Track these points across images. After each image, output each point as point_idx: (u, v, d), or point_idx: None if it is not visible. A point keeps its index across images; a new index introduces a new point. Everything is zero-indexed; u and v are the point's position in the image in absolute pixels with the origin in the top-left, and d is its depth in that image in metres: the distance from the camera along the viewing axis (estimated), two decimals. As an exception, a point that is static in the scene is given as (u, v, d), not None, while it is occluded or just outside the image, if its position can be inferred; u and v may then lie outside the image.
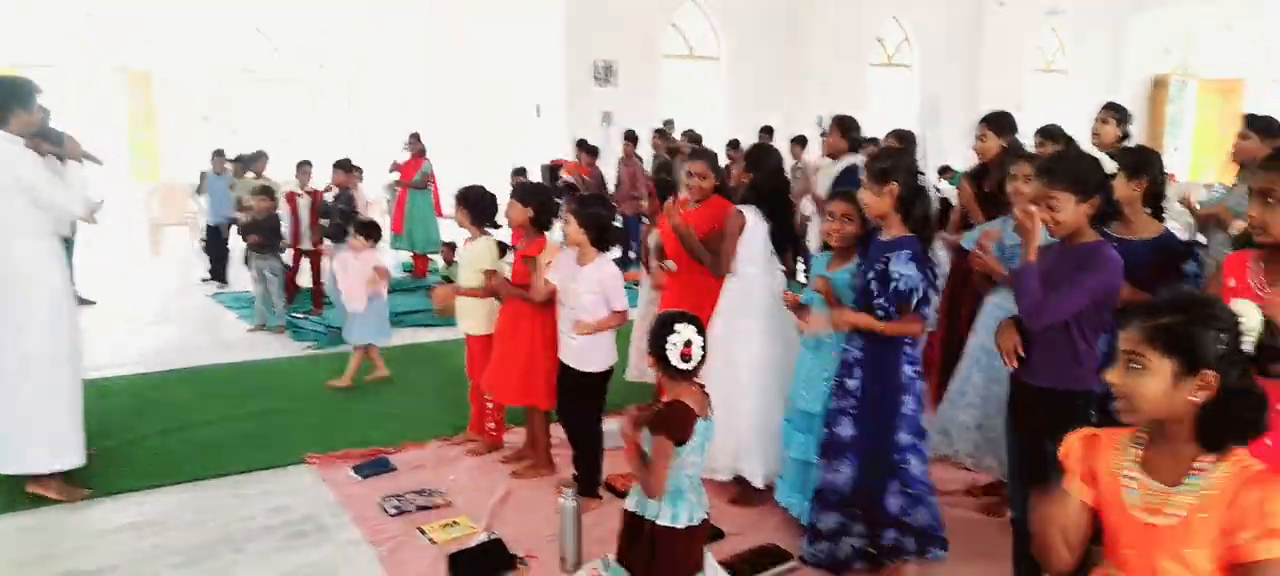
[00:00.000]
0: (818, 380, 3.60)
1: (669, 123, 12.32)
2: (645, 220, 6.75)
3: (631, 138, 10.79)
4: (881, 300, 3.17)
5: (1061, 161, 2.85)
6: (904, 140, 5.38)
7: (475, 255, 4.57)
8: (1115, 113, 5.48)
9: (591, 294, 3.84)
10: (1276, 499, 1.50)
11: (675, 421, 2.58)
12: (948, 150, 11.81)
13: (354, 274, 5.96)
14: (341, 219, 7.46)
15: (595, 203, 4.13)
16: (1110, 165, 2.85)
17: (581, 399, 4.02)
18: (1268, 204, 2.23)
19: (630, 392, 5.26)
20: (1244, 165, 4.47)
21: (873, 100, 15.49)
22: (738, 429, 3.94)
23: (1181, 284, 3.01)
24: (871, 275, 3.19)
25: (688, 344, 2.59)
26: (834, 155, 5.95)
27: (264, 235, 7.51)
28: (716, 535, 3.72)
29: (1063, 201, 2.71)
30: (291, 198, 8.18)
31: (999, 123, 4.99)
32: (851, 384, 3.29)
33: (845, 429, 3.30)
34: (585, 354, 3.92)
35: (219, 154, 9.94)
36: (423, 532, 3.81)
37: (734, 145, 11.07)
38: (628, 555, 2.65)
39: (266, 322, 7.57)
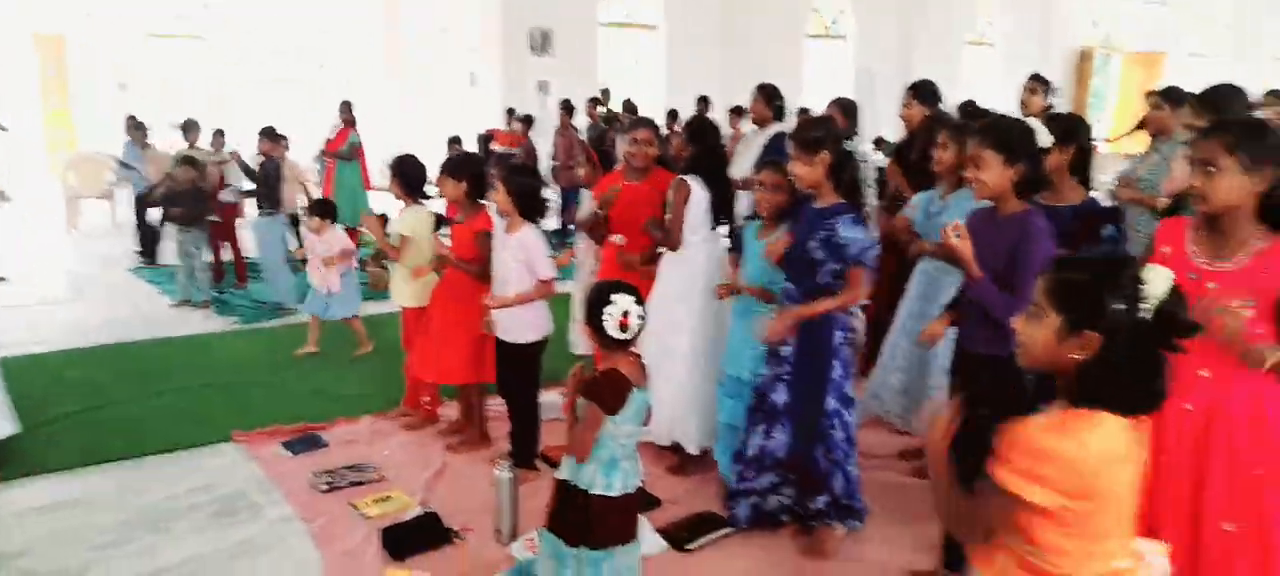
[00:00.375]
0: (747, 347, 3.63)
1: (605, 92, 12.24)
2: (584, 190, 6.69)
3: (567, 108, 10.68)
4: (832, 266, 3.17)
5: (995, 124, 2.90)
6: (846, 110, 5.42)
7: (410, 226, 4.48)
8: (1041, 83, 5.62)
9: (516, 262, 3.80)
10: (1020, 432, 1.56)
11: (608, 390, 2.57)
12: (882, 121, 11.97)
13: (320, 255, 5.89)
14: (264, 187, 7.27)
15: (523, 170, 4.10)
16: (1046, 139, 2.90)
17: (515, 371, 3.98)
18: (1208, 173, 2.25)
19: (571, 363, 5.24)
20: (1156, 135, 4.61)
21: (808, 71, 15.61)
22: (676, 396, 3.96)
23: (1101, 247, 3.10)
24: (815, 243, 3.18)
25: (625, 314, 2.58)
26: (760, 124, 5.96)
27: (187, 207, 7.26)
28: (652, 503, 3.75)
29: (989, 162, 2.77)
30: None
31: (923, 91, 5.08)
32: (785, 351, 3.31)
33: (780, 395, 3.33)
34: (515, 325, 3.89)
35: (137, 124, 9.55)
36: (355, 508, 3.74)
37: (673, 116, 11.05)
38: (560, 524, 2.64)
39: (191, 298, 7.34)
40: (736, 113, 10.62)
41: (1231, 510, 2.25)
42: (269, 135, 7.63)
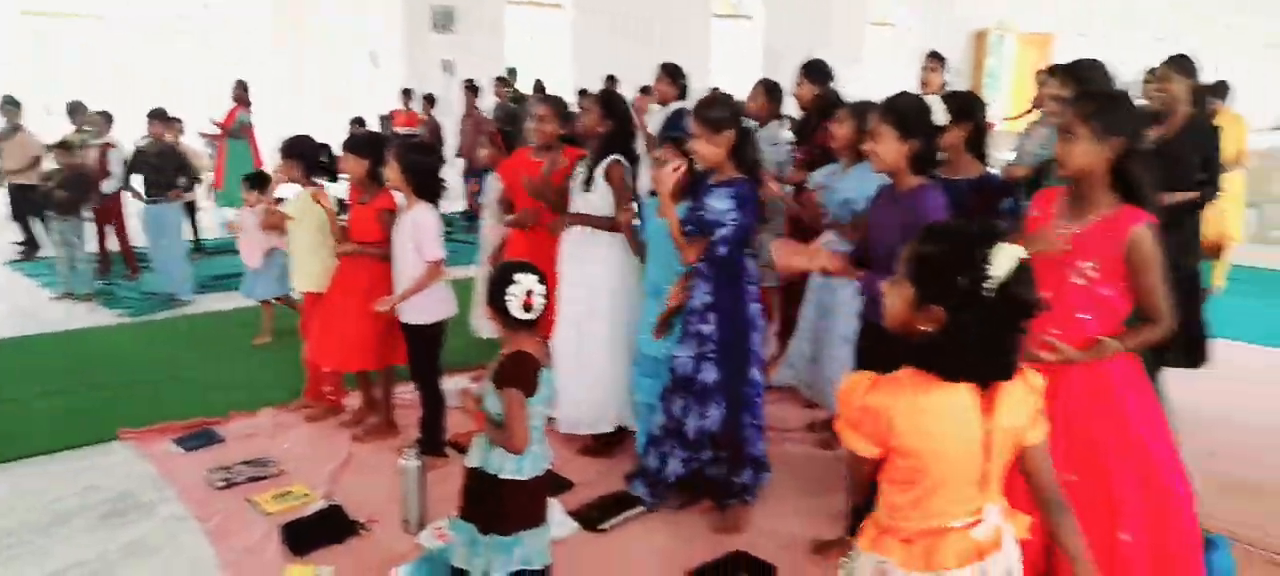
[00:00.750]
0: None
1: (512, 71, 12.04)
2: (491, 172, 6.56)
3: (472, 88, 10.47)
4: (691, 229, 3.25)
5: (893, 101, 2.95)
6: (771, 91, 5.45)
7: (299, 209, 4.31)
8: (939, 61, 5.77)
9: (410, 243, 3.72)
10: (849, 381, 1.72)
11: (521, 372, 2.52)
12: (789, 101, 12.14)
13: (252, 229, 5.63)
14: (155, 173, 6.92)
15: (418, 148, 4.00)
16: (942, 118, 2.96)
17: (415, 352, 3.90)
18: (1067, 140, 2.38)
19: (476, 348, 5.16)
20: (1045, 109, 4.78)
21: (716, 51, 15.69)
22: (598, 382, 3.95)
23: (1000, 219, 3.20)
24: (685, 211, 3.24)
25: (529, 293, 2.53)
26: (663, 102, 5.96)
27: (70, 193, 6.85)
28: (564, 486, 3.72)
29: (885, 136, 2.83)
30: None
31: (815, 70, 5.16)
32: (707, 329, 3.30)
33: (709, 374, 3.31)
34: (412, 306, 3.81)
35: (13, 103, 8.94)
36: (254, 504, 3.60)
37: (584, 94, 10.95)
38: (471, 511, 2.58)
39: (73, 290, 6.94)
40: (644, 92, 10.58)
41: (1070, 463, 2.33)
42: (160, 117, 7.25)
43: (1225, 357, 5.54)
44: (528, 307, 2.53)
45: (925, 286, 1.61)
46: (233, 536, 3.37)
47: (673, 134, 3.76)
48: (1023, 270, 1.57)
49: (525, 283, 2.53)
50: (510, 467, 2.56)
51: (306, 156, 4.31)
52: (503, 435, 2.53)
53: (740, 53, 15.81)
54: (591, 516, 3.45)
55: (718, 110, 3.24)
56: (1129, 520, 2.35)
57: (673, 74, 5.86)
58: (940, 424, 1.63)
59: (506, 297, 2.52)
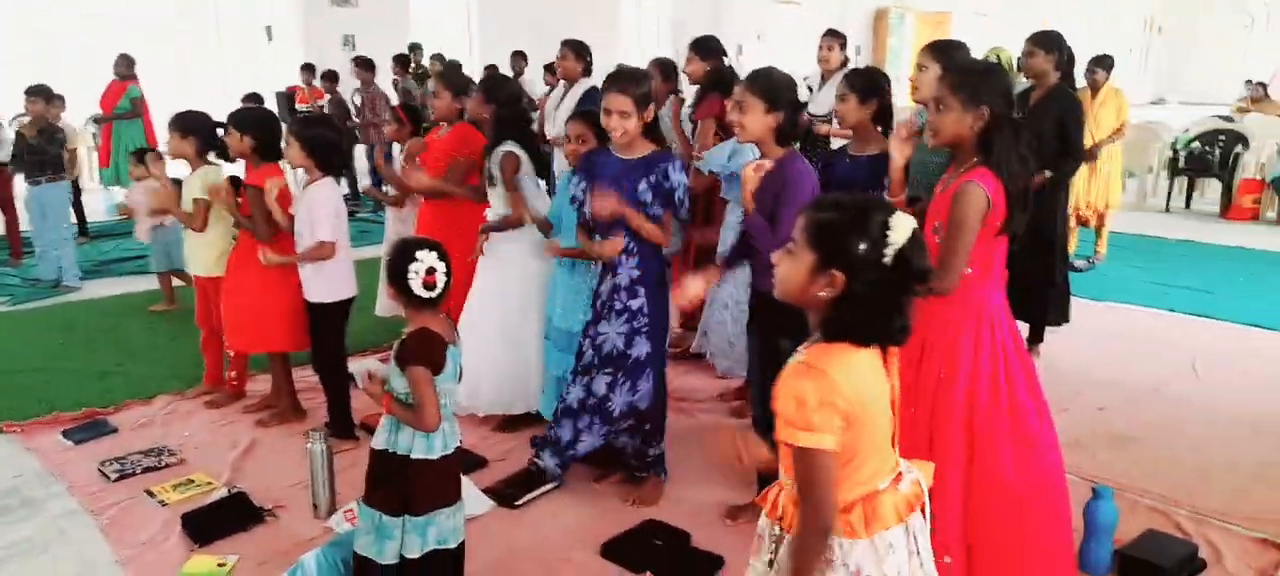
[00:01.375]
0: (578, 299, 3.63)
1: (415, 47, 11.76)
2: (397, 146, 6.41)
3: (366, 65, 10.16)
4: (656, 211, 3.21)
5: (759, 73, 3.05)
6: (666, 69, 5.46)
7: (203, 188, 4.12)
8: (837, 38, 5.89)
9: (308, 221, 3.64)
10: (781, 384, 1.62)
11: (427, 350, 2.48)
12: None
13: (140, 205, 5.55)
14: (37, 153, 6.53)
15: (317, 122, 3.89)
16: (804, 93, 3.05)
17: (318, 332, 3.81)
18: (936, 110, 2.51)
19: (381, 328, 5.06)
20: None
21: (624, 26, 15.65)
22: (511, 357, 3.93)
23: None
24: (645, 188, 3.19)
25: (431, 271, 2.48)
26: (569, 79, 5.93)
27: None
28: (478, 463, 3.69)
29: (751, 107, 2.93)
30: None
31: (705, 46, 5.23)
32: (636, 304, 3.28)
33: (640, 347, 3.30)
34: (308, 283, 3.72)
35: None
36: (151, 495, 3.46)
37: (492, 70, 10.80)
38: (378, 495, 2.54)
39: (-53, 278, 6.52)
40: (550, 70, 10.48)
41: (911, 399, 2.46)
42: (41, 94, 6.82)
43: (1110, 319, 5.89)
44: (429, 285, 2.49)
45: (826, 252, 1.63)
46: (129, 530, 3.23)
47: (584, 109, 3.75)
48: (916, 238, 1.62)
49: (426, 260, 2.49)
50: (419, 447, 2.52)
51: (199, 132, 4.11)
52: (411, 415, 2.49)
53: (646, 29, 15.82)
54: (506, 493, 3.43)
55: (641, 86, 3.24)
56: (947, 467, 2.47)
57: (578, 50, 5.83)
58: (869, 389, 1.66)
59: (408, 275, 2.47)
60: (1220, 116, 10.73)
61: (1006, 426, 2.52)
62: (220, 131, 4.04)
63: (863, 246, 1.60)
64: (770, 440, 1.76)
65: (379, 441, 2.56)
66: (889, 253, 1.59)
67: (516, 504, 3.39)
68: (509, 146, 3.85)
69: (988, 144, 2.45)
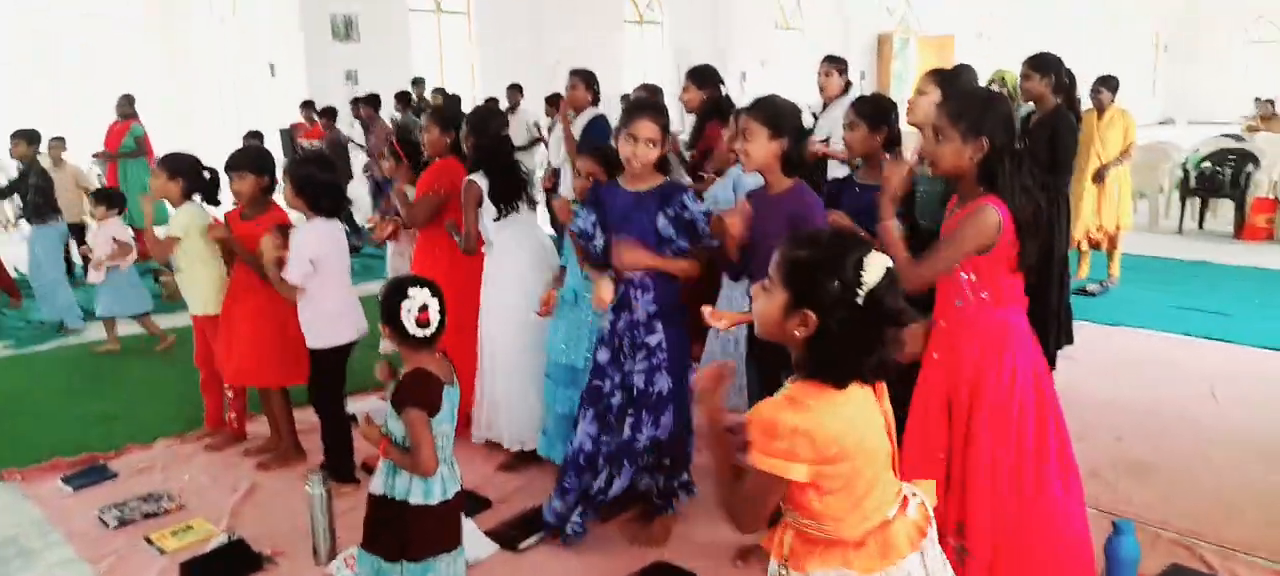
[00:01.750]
0: (581, 334, 3.58)
1: (418, 81, 11.81)
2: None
3: (372, 102, 10.21)
4: (680, 244, 3.13)
5: (764, 100, 3.01)
6: (651, 93, 5.44)
7: (181, 226, 4.06)
8: (836, 65, 5.84)
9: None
10: (756, 411, 1.60)
11: (422, 390, 2.43)
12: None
13: (99, 246, 5.70)
14: (38, 195, 6.53)
15: (310, 161, 3.86)
16: (809, 120, 3.00)
17: (315, 376, 3.75)
18: (936, 140, 2.47)
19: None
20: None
21: (626, 57, 15.71)
22: (517, 392, 3.89)
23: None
24: (665, 222, 3.11)
25: (423, 309, 2.43)
26: (577, 108, 5.91)
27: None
28: (482, 504, 3.61)
29: (755, 134, 2.88)
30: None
31: (702, 75, 5.20)
32: (654, 339, 3.20)
33: (661, 383, 3.21)
34: (307, 327, 3.66)
35: None
36: (150, 542, 3.40)
37: (491, 103, 10.83)
38: (376, 541, 2.48)
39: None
40: (551, 101, 10.49)
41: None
42: (26, 138, 6.82)
43: (1125, 344, 5.79)
44: (423, 323, 2.44)
45: (799, 291, 1.60)
46: (126, 580, 3.17)
47: (591, 142, 3.72)
48: (891, 277, 1.59)
49: (418, 297, 2.44)
50: (418, 492, 2.46)
51: (185, 174, 4.09)
52: (408, 459, 2.43)
53: (649, 58, 15.87)
54: (511, 536, 3.36)
55: (665, 114, 3.19)
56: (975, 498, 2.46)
57: (587, 79, 5.82)
58: (864, 422, 1.64)
59: (401, 313, 2.42)
60: (1229, 135, 10.64)
61: (1033, 455, 2.47)
62: (206, 174, 4.05)
63: (835, 286, 1.56)
64: None
65: (377, 486, 2.51)
66: (861, 293, 1.56)
67: (520, 547, 3.31)
68: (474, 176, 3.85)
69: (990, 175, 2.41)
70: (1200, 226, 9.82)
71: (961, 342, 2.48)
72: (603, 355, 3.29)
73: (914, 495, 1.76)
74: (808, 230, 1.80)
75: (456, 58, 14.33)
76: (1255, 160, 9.48)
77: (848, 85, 5.83)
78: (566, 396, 3.64)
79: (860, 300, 1.56)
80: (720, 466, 1.72)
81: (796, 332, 1.60)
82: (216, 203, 4.19)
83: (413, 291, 2.43)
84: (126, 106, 9.24)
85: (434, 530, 2.48)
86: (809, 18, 17.32)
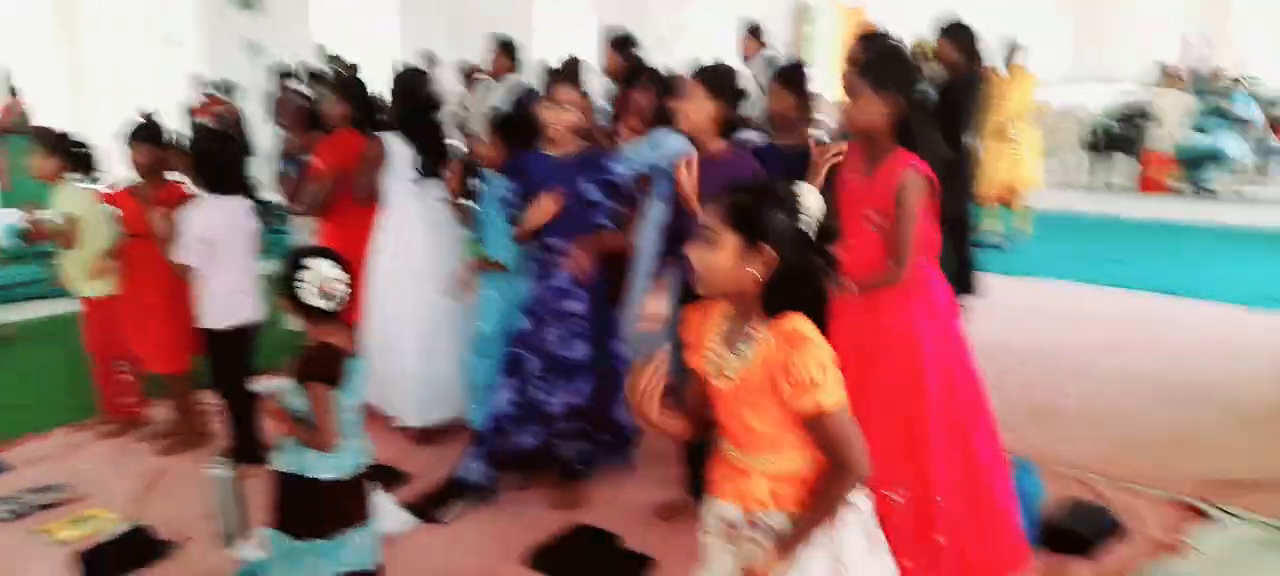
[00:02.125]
0: (502, 304, 3.55)
1: (326, 54, 11.44)
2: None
3: (286, 73, 9.89)
4: (609, 205, 3.18)
5: (708, 66, 3.02)
6: (506, 48, 5.43)
7: (78, 206, 3.87)
8: (754, 33, 5.90)
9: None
10: (799, 356, 1.63)
11: (325, 364, 2.36)
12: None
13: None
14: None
15: (211, 137, 3.72)
16: (749, 83, 3.02)
17: (215, 359, 3.63)
18: (850, 98, 2.57)
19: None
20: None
21: (542, 25, 15.48)
22: (425, 364, 3.82)
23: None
24: (591, 186, 3.15)
25: (324, 280, 2.35)
26: (497, 75, 5.82)
27: None
28: (398, 478, 3.56)
29: (695, 96, 2.91)
30: None
31: (619, 42, 5.23)
32: (577, 306, 3.23)
33: (578, 350, 3.25)
34: (207, 309, 3.53)
35: None
36: (47, 533, 3.25)
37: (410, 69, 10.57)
38: (285, 519, 2.41)
39: None
40: (468, 72, 10.28)
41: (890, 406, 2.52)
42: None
43: (1032, 295, 5.99)
44: (327, 295, 2.36)
45: (750, 231, 1.64)
46: (23, 572, 3.03)
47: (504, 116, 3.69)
48: (822, 204, 1.71)
49: (319, 268, 2.36)
50: (325, 466, 2.40)
51: (62, 150, 3.89)
52: (310, 434, 2.36)
53: (567, 25, 15.67)
54: (427, 507, 3.31)
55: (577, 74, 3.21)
56: (936, 451, 2.51)
57: (507, 48, 5.75)
58: None
59: (299, 287, 2.34)
60: (1132, 94, 11.08)
61: (969, 410, 2.59)
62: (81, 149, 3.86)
63: (782, 218, 1.64)
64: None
65: (282, 463, 2.43)
66: (805, 219, 1.66)
67: (438, 518, 3.27)
68: (389, 137, 3.80)
69: (904, 131, 2.49)
70: (1105, 182, 10.21)
71: (897, 306, 2.54)
72: (524, 322, 3.29)
73: None
74: (739, 178, 1.83)
75: (364, 25, 13.90)
76: (1155, 118, 9.88)
77: (763, 49, 5.88)
78: (487, 366, 3.60)
79: (805, 226, 1.66)
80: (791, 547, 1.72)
81: (756, 273, 1.64)
82: (94, 177, 4.00)
83: (311, 262, 2.34)
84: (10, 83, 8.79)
85: (344, 505, 2.42)
86: (728, -16, 17.36)
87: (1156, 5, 19.44)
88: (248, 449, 3.60)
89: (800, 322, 1.67)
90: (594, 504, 3.35)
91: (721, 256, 1.67)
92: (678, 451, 3.22)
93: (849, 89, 2.56)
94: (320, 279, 2.34)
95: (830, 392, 1.64)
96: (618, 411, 3.40)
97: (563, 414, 3.26)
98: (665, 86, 3.91)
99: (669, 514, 3.24)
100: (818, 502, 1.69)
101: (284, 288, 2.35)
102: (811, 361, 1.63)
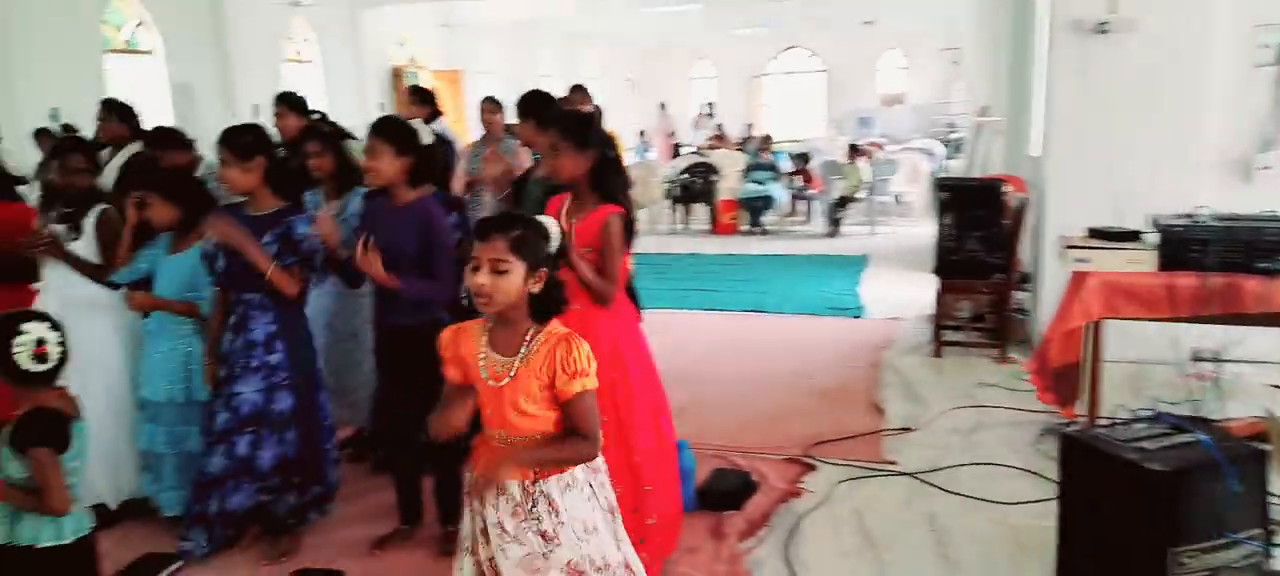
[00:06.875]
0: (172, 365, 3.47)
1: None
2: None
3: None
4: (290, 261, 3.21)
5: (386, 121, 3.28)
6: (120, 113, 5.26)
7: None
8: (288, 104, 5.74)
9: None
10: (575, 349, 2.07)
11: (47, 427, 2.29)
12: (207, 135, 11.40)
13: None
14: None
15: None
16: (428, 138, 3.33)
17: None
18: (554, 154, 2.95)
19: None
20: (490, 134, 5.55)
21: (114, 87, 14.07)
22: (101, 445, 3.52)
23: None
24: (270, 242, 3.18)
25: (41, 342, 2.30)
26: (117, 143, 5.42)
27: None
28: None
29: (383, 153, 3.14)
30: None
31: (293, 102, 5.24)
32: (276, 358, 3.24)
33: (283, 402, 3.26)
34: None
35: None
36: None
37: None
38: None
39: None
40: (43, 135, 9.14)
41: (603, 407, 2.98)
42: None
43: (647, 321, 6.94)
44: (41, 358, 2.31)
45: (533, 260, 2.07)
46: None
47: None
48: (562, 232, 2.21)
49: (35, 331, 2.32)
50: (48, 534, 2.33)
51: None
52: (35, 500, 2.27)
53: (144, 86, 14.43)
54: (132, 582, 3.15)
55: (246, 136, 3.24)
56: (641, 448, 3.02)
57: (123, 114, 5.34)
58: None
59: (13, 350, 2.27)
60: (695, 154, 13.07)
61: (659, 400, 3.15)
62: None
63: (544, 245, 2.10)
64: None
65: (-5, 537, 2.29)
66: (554, 245, 2.13)
67: (145, 590, 3.13)
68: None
69: (600, 181, 2.94)
70: (685, 227, 11.93)
71: (606, 324, 2.95)
72: (222, 375, 3.27)
73: None
74: (501, 217, 2.16)
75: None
76: (718, 172, 11.79)
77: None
78: (151, 432, 3.52)
79: (553, 249, 2.12)
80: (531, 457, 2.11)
81: (534, 289, 2.08)
82: None
83: (27, 326, 2.28)
84: None
85: (73, 570, 2.34)
86: (322, 51, 17.16)
87: (702, 82, 22.92)
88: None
89: (562, 326, 2.13)
90: (308, 549, 3.42)
91: (513, 281, 2.05)
92: (396, 483, 3.45)
93: (551, 147, 2.94)
94: (36, 341, 2.29)
95: (592, 378, 2.08)
96: (328, 466, 3.49)
97: (273, 467, 3.28)
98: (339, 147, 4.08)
99: (385, 545, 3.41)
100: (560, 445, 2.10)
101: None
102: (581, 353, 2.07)
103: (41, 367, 2.31)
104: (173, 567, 3.27)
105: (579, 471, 2.15)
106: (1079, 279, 3.71)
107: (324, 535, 3.52)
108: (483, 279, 2.04)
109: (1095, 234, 3.82)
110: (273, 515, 3.37)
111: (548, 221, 2.17)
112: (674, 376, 5.34)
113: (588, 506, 2.15)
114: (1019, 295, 5.87)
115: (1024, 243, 5.70)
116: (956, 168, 11.28)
